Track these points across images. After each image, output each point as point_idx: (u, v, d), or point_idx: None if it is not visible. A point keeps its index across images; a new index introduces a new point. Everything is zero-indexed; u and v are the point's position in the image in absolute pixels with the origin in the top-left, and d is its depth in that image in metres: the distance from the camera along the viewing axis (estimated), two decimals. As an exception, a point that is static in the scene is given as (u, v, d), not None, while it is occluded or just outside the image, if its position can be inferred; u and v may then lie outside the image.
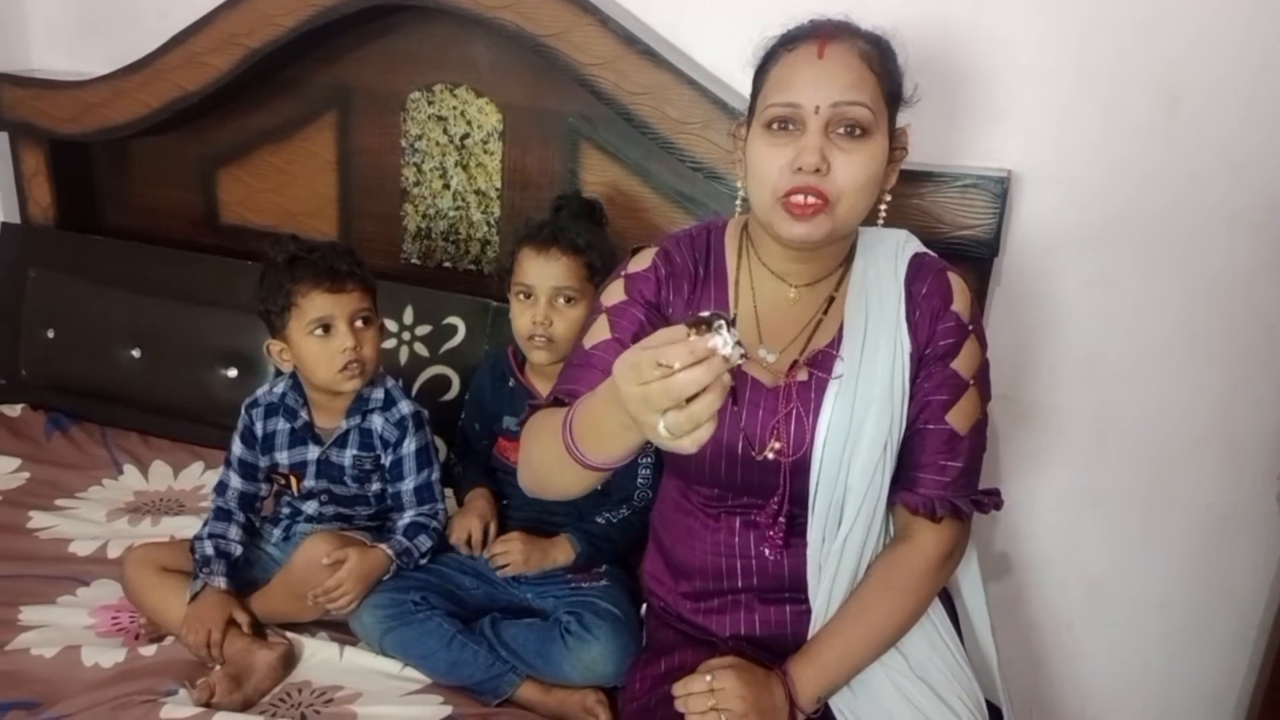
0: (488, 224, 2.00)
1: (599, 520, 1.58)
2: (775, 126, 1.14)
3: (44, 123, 2.11)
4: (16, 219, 2.24)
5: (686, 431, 0.81)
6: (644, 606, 1.48)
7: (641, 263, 1.29)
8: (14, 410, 2.15)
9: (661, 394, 0.80)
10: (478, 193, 1.99)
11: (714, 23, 1.73)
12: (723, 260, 1.29)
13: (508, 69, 1.88)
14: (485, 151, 1.96)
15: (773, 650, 1.28)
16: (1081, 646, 1.83)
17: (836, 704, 1.23)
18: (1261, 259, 1.56)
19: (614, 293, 1.28)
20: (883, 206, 1.22)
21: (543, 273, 1.54)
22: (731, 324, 0.80)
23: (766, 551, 1.27)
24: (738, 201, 1.27)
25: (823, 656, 1.22)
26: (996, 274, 1.65)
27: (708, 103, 1.67)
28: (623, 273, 1.30)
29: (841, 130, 1.12)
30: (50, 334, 2.12)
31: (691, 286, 1.28)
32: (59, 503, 1.86)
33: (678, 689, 1.20)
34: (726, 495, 1.29)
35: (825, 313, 1.25)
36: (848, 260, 1.27)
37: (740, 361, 0.81)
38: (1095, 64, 1.55)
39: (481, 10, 1.74)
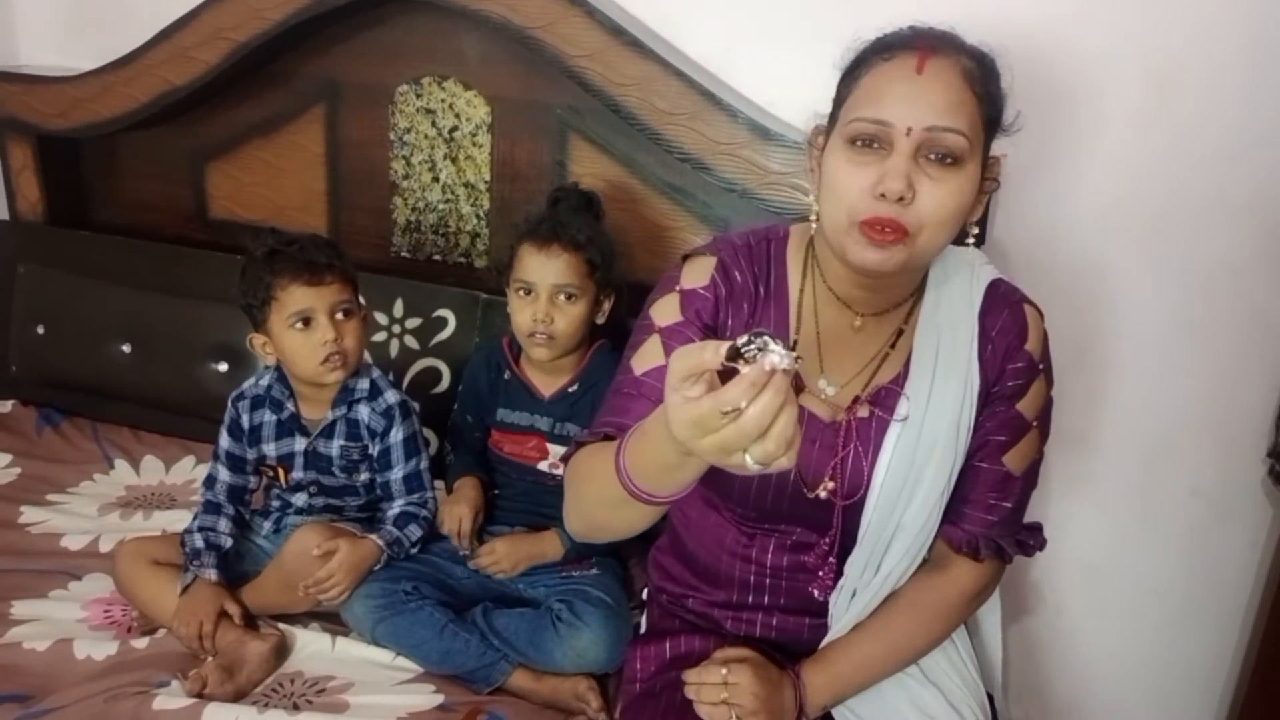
0: (477, 217, 2.00)
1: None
2: (860, 143, 1.02)
3: (32, 118, 2.11)
4: (5, 215, 2.23)
5: (778, 456, 0.76)
6: (644, 591, 1.48)
7: (699, 278, 1.17)
8: (4, 406, 2.14)
9: (738, 436, 0.74)
10: (467, 185, 1.99)
11: (702, 14, 1.73)
12: (784, 279, 1.19)
13: (496, 61, 1.88)
14: (474, 144, 1.96)
15: (783, 651, 1.26)
16: (1072, 632, 1.84)
17: (843, 710, 1.22)
18: (1253, 248, 1.57)
19: (668, 310, 1.16)
20: (970, 240, 1.14)
21: (543, 270, 1.53)
22: (779, 337, 0.75)
23: (815, 593, 1.22)
24: (812, 219, 1.13)
25: (838, 666, 1.20)
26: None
27: (696, 94, 1.67)
28: (678, 287, 1.17)
29: (932, 156, 1.01)
30: (40, 330, 2.12)
31: (751, 308, 1.18)
32: (50, 498, 1.86)
33: (690, 676, 1.18)
34: (766, 519, 1.23)
35: (893, 346, 1.17)
36: (919, 290, 1.17)
37: (799, 364, 0.76)
38: (1087, 51, 1.55)
39: (469, 2, 1.74)
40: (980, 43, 1.07)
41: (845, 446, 1.15)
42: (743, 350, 0.74)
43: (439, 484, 1.68)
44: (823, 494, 1.17)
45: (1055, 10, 1.54)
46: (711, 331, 1.15)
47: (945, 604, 1.21)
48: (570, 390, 1.61)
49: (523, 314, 1.55)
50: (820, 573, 1.22)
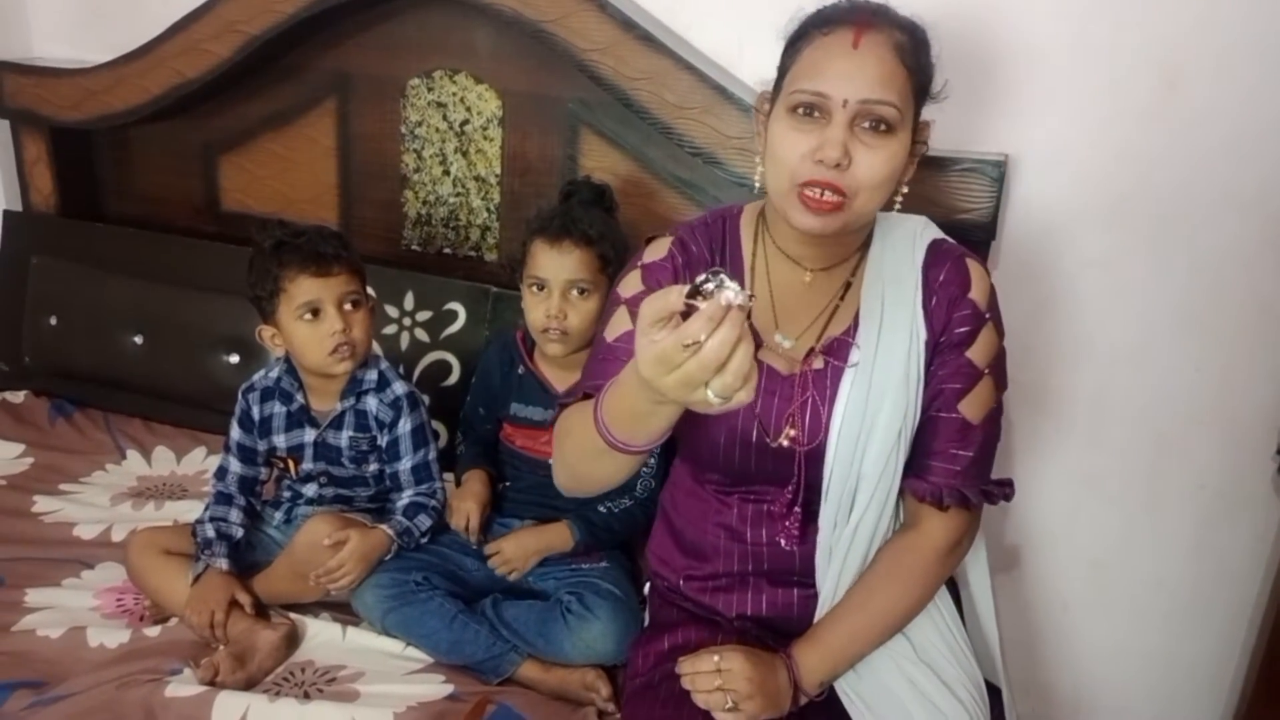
0: (488, 210, 2.01)
1: (600, 509, 1.59)
2: (800, 112, 1.11)
3: (45, 110, 2.12)
4: (18, 206, 2.25)
5: (736, 389, 0.83)
6: (647, 585, 1.49)
7: (658, 252, 1.27)
8: (17, 397, 2.16)
9: (699, 369, 0.81)
10: (478, 179, 1.99)
11: (713, 7, 1.74)
12: (738, 246, 1.28)
13: (507, 55, 1.89)
14: (485, 138, 1.96)
15: (778, 631, 1.28)
16: (1078, 627, 1.84)
17: (842, 687, 1.24)
18: (1261, 239, 1.57)
19: (631, 283, 1.26)
20: (899, 198, 1.20)
21: (556, 265, 1.53)
22: (735, 278, 0.82)
23: (782, 542, 1.26)
24: (756, 179, 1.22)
25: (827, 641, 1.23)
26: (995, 257, 1.66)
27: (706, 88, 1.68)
28: (639, 263, 1.27)
29: (866, 125, 1.10)
30: (53, 321, 2.13)
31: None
32: (63, 487, 1.87)
33: (684, 666, 1.21)
34: (739, 482, 1.28)
35: (841, 299, 1.24)
36: (864, 245, 1.25)
37: (753, 302, 0.83)
38: (1094, 44, 1.55)
39: (480, -4, 1.75)
40: (911, 15, 1.14)
41: (803, 395, 1.21)
42: (700, 288, 0.82)
43: (449, 476, 1.69)
44: (785, 442, 1.21)
45: (1064, 4, 1.55)
46: None
47: (922, 563, 1.24)
48: (584, 385, 1.61)
49: (536, 310, 1.55)
50: (786, 522, 1.26)
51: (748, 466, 1.25)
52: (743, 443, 1.23)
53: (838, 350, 1.22)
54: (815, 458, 1.22)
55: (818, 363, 1.22)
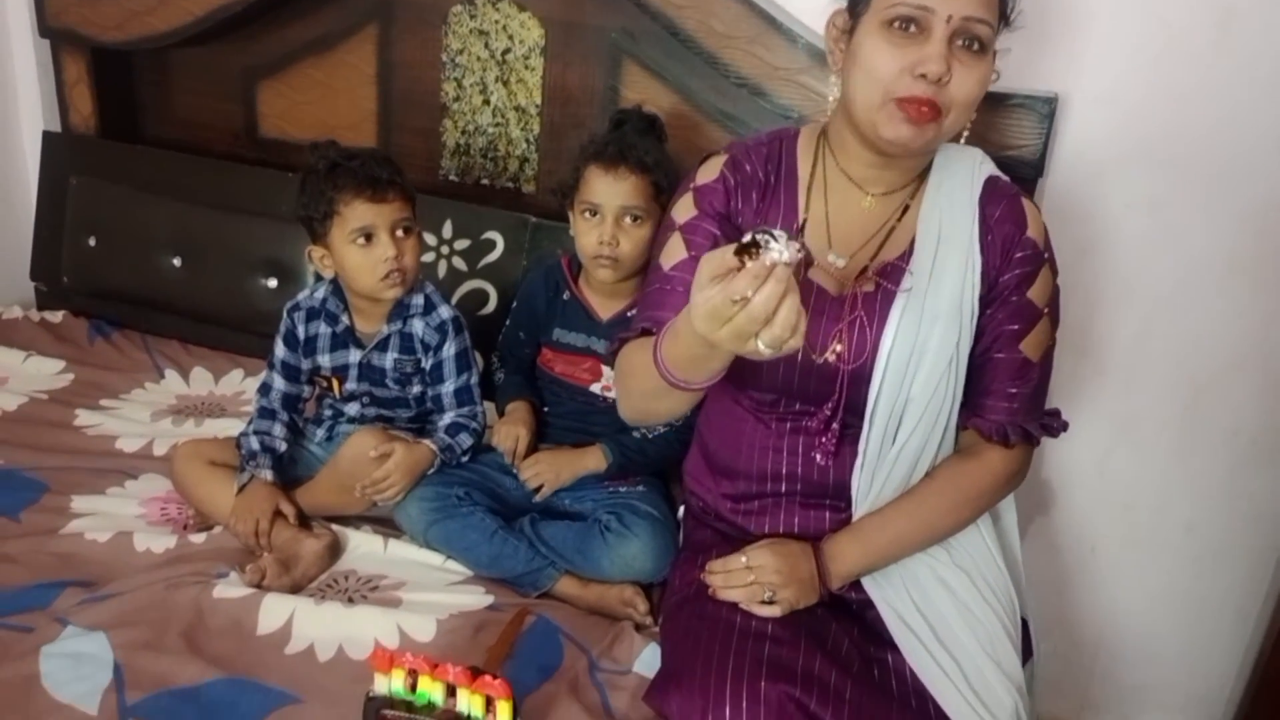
0: (526, 141, 2.01)
1: (635, 434, 1.60)
2: (898, 25, 1.11)
3: (87, 30, 2.11)
4: (58, 128, 2.25)
5: (785, 339, 0.87)
6: (681, 509, 1.51)
7: (709, 173, 1.28)
8: (56, 317, 2.19)
9: (748, 322, 0.86)
10: (518, 109, 1.99)
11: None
12: (794, 166, 1.29)
13: (551, -18, 1.88)
14: (526, 67, 1.96)
15: None
16: (1104, 570, 1.85)
17: (873, 584, 1.27)
18: (1309, 183, 1.56)
19: (684, 208, 1.28)
20: (968, 124, 1.21)
21: (610, 191, 1.53)
22: (784, 233, 0.86)
23: (817, 457, 1.28)
24: (830, 99, 1.25)
25: (869, 536, 1.25)
26: (1040, 196, 1.65)
27: (754, 16, 1.66)
28: (691, 184, 1.29)
29: (962, 43, 1.11)
30: (92, 242, 2.14)
31: (760, 194, 1.27)
32: (103, 403, 1.90)
33: (714, 566, 1.25)
34: (780, 401, 1.30)
35: (899, 221, 1.25)
36: (924, 174, 1.26)
37: (800, 256, 0.87)
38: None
39: (527, -80, 1.74)
40: None
41: (851, 314, 1.23)
42: (750, 245, 0.86)
43: (488, 404, 1.70)
44: (831, 358, 1.23)
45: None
46: (725, 219, 1.26)
47: (978, 487, 1.27)
48: (630, 314, 1.60)
49: (588, 236, 1.55)
50: (822, 438, 1.27)
51: (790, 383, 1.26)
52: (787, 359, 1.24)
53: (890, 274, 1.24)
54: (858, 377, 1.23)
55: (868, 285, 1.23)
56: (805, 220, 1.26)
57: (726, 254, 0.88)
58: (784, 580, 1.21)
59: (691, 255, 1.24)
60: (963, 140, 1.23)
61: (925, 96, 1.10)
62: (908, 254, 1.24)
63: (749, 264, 0.85)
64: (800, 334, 0.88)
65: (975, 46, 1.11)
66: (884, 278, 1.23)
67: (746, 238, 0.86)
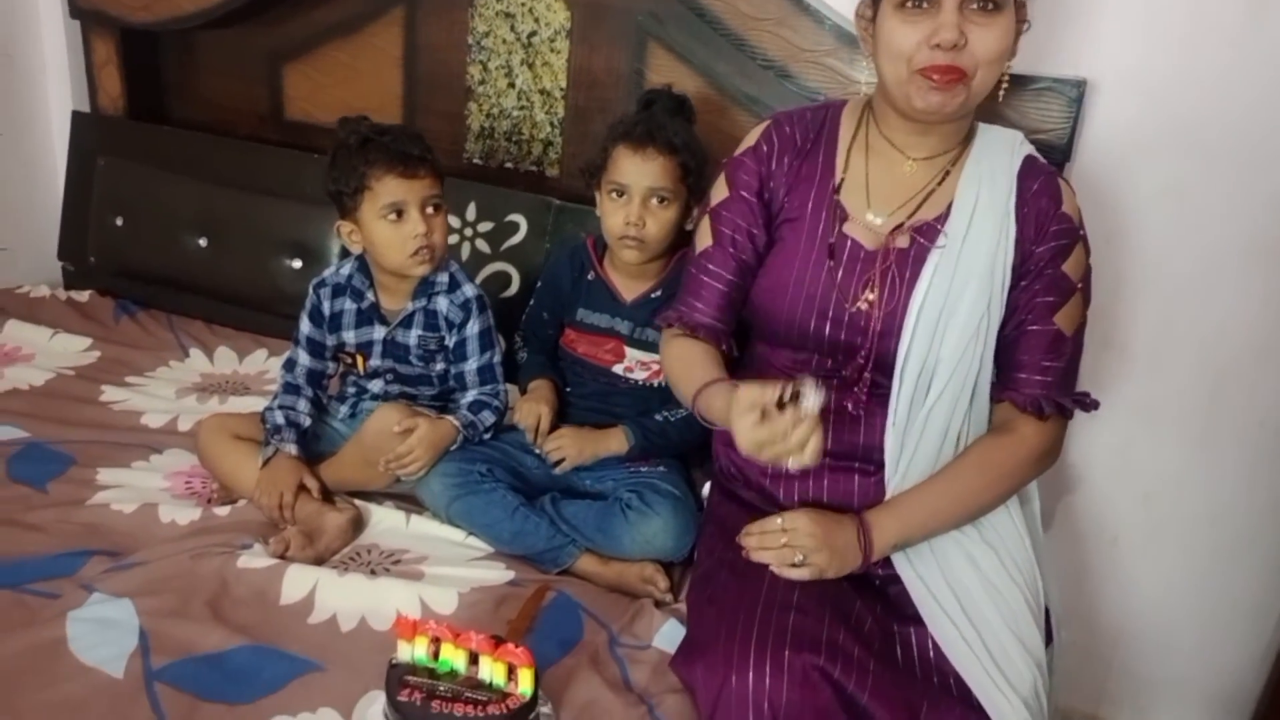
0: (551, 125, 2.01)
1: (657, 417, 1.61)
2: (909, 4, 1.16)
3: (116, 10, 2.14)
4: (86, 108, 2.28)
5: (807, 463, 1.07)
6: (707, 486, 1.51)
7: (748, 143, 1.36)
8: (82, 296, 2.21)
9: (784, 452, 1.07)
10: (542, 92, 1.99)
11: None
12: (835, 131, 1.34)
13: (577, -35, 1.88)
14: (552, 50, 1.96)
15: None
16: (1125, 561, 1.84)
17: (900, 560, 1.27)
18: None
19: (720, 188, 1.36)
20: (1005, 79, 1.24)
21: (638, 172, 1.52)
22: (811, 380, 1.08)
23: (849, 406, 1.29)
24: (862, 82, 1.33)
25: (907, 511, 1.26)
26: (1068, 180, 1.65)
27: (781, -1, 1.67)
28: (730, 157, 1.37)
29: (974, 5, 1.15)
30: (119, 222, 2.16)
31: (794, 155, 1.33)
32: (129, 379, 1.92)
33: (751, 528, 1.27)
34: (812, 357, 1.32)
35: (939, 184, 1.28)
36: (965, 142, 1.30)
37: (824, 403, 1.08)
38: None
39: (556, -99, 1.74)
40: None
41: (884, 264, 1.27)
42: (790, 396, 1.08)
43: (510, 386, 1.71)
44: (863, 306, 1.27)
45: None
46: (758, 196, 1.33)
47: (1013, 462, 1.29)
48: (654, 296, 1.61)
49: (614, 216, 1.55)
50: (856, 387, 1.29)
51: (822, 334, 1.29)
52: (820, 310, 1.28)
53: (926, 233, 1.28)
54: (889, 331, 1.26)
55: (903, 240, 1.27)
56: (842, 180, 1.30)
57: (765, 394, 1.08)
58: (817, 545, 1.22)
59: (715, 245, 1.34)
60: (1004, 89, 1.26)
61: (945, 63, 1.15)
62: (944, 216, 1.27)
63: (789, 411, 1.06)
64: (818, 454, 1.07)
65: (989, 6, 1.15)
66: (920, 235, 1.27)
67: (786, 390, 1.07)
